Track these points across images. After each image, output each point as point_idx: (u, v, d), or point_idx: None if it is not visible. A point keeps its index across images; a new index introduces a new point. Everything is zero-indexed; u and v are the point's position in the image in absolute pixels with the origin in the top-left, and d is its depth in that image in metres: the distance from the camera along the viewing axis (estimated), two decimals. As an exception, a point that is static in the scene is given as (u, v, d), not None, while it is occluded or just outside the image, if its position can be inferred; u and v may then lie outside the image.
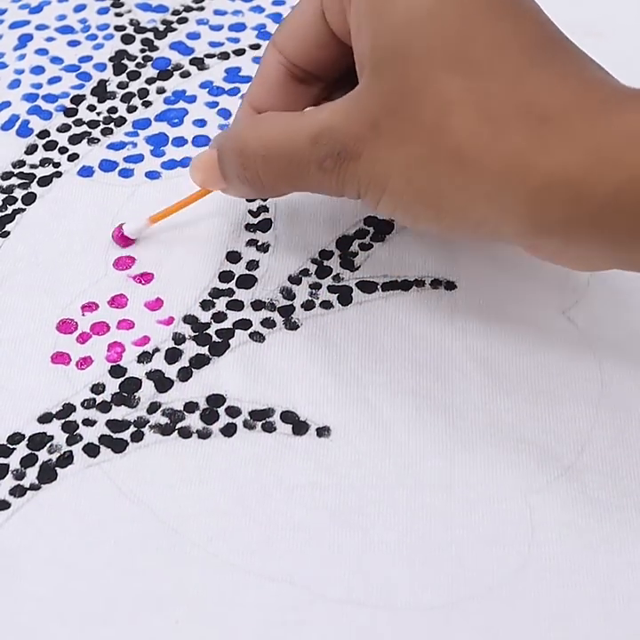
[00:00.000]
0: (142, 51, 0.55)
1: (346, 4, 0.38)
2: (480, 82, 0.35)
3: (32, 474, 0.39)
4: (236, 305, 0.44)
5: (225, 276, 0.45)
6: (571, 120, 0.34)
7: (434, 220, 0.37)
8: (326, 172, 0.38)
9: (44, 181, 0.49)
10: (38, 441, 0.40)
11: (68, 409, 0.41)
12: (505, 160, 0.34)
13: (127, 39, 0.55)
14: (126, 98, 0.52)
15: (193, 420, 0.41)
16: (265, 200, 0.47)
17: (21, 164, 0.49)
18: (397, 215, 0.38)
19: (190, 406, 0.41)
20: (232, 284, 0.45)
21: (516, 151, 0.34)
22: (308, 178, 0.39)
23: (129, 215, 0.47)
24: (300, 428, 0.41)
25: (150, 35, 0.56)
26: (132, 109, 0.52)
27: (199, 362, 0.42)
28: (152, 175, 0.49)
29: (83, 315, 0.44)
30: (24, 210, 0.47)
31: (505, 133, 0.34)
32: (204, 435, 0.40)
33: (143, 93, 0.53)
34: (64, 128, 0.51)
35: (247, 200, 0.47)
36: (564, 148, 0.34)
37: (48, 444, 0.40)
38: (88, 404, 0.41)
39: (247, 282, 0.45)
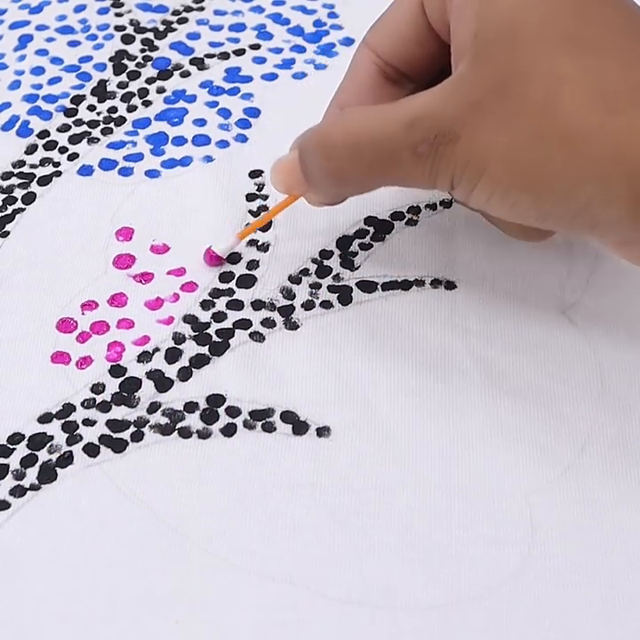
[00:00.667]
0: (142, 51, 0.55)
1: None
2: (595, 61, 0.34)
3: (32, 474, 0.39)
4: (236, 305, 0.44)
5: (225, 276, 0.45)
6: None
7: (532, 205, 0.36)
8: (420, 159, 0.36)
9: (44, 181, 0.49)
10: (38, 441, 0.40)
11: (68, 409, 0.41)
12: (618, 138, 0.33)
13: (127, 39, 0.55)
14: (126, 97, 0.52)
15: (193, 420, 0.41)
16: (265, 199, 0.47)
17: (21, 163, 0.49)
18: (493, 202, 0.36)
19: (190, 406, 0.41)
20: (232, 284, 0.45)
21: (631, 129, 0.33)
22: (399, 167, 0.37)
23: (129, 214, 0.47)
24: (300, 427, 0.41)
25: (150, 35, 0.56)
26: (131, 109, 0.52)
27: (199, 362, 0.42)
28: (152, 174, 0.49)
29: (82, 314, 0.44)
30: (24, 209, 0.47)
31: (619, 111, 0.33)
32: (204, 435, 0.40)
33: (143, 93, 0.53)
34: (64, 128, 0.51)
35: (247, 200, 0.47)
36: None
37: (48, 444, 0.40)
38: (88, 404, 0.41)
39: (247, 281, 0.45)
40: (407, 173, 0.37)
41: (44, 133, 0.51)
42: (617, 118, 0.34)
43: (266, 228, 0.46)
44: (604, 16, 0.35)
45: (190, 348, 0.43)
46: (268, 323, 0.43)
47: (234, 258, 0.45)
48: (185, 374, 0.42)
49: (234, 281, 0.45)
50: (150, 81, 0.53)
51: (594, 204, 0.35)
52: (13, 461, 0.40)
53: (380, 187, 0.40)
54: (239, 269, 0.45)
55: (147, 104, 0.52)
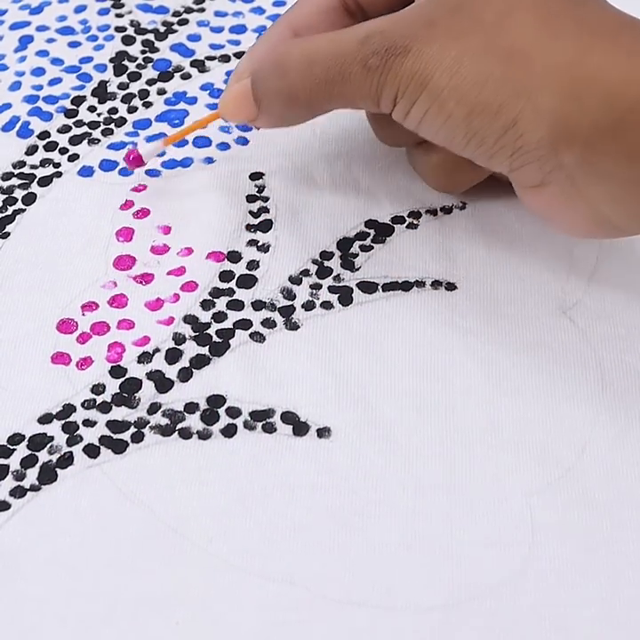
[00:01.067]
0: (143, 52, 0.55)
1: None
2: None
3: (32, 475, 0.39)
4: (237, 305, 0.44)
5: (225, 276, 0.45)
6: (620, 36, 0.37)
7: (464, 119, 0.38)
8: (370, 71, 0.39)
9: (45, 181, 0.49)
10: (38, 442, 0.40)
11: (69, 409, 0.41)
12: (552, 58, 0.37)
13: (128, 40, 0.55)
14: (127, 99, 0.52)
15: (193, 421, 0.41)
16: (266, 201, 0.47)
17: (22, 164, 0.49)
18: (427, 118, 0.39)
19: (191, 407, 0.41)
20: (232, 284, 0.45)
21: (565, 52, 0.37)
22: (348, 82, 0.39)
23: (129, 215, 0.47)
24: (300, 428, 0.41)
25: (151, 36, 0.56)
26: (132, 110, 0.52)
27: (199, 362, 0.42)
28: (152, 173, 0.49)
29: (83, 314, 0.44)
30: (24, 210, 0.48)
31: (558, 37, 0.37)
32: (204, 435, 0.40)
33: (144, 94, 0.53)
34: (64, 129, 0.51)
35: (248, 201, 0.47)
36: (607, 52, 0.37)
37: (48, 445, 0.40)
38: (88, 405, 0.41)
39: (247, 282, 0.45)
40: (355, 88, 0.40)
41: (44, 134, 0.51)
42: (556, 43, 0.37)
43: (266, 228, 0.46)
44: None
45: (190, 349, 0.43)
46: (268, 323, 0.43)
47: (234, 257, 0.46)
48: (185, 375, 0.42)
49: (234, 281, 0.45)
50: (151, 82, 0.53)
51: (521, 121, 0.37)
52: (13, 462, 0.40)
53: (327, 108, 0.42)
54: (239, 269, 0.45)
55: (147, 105, 0.52)
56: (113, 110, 0.52)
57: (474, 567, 0.37)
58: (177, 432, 0.40)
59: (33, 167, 0.49)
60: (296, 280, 0.45)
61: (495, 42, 0.38)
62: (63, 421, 0.41)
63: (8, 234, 0.47)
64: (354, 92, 0.40)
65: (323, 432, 0.41)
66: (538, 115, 0.37)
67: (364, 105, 0.41)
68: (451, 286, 0.45)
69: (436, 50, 0.38)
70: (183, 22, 0.56)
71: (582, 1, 0.39)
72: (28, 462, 0.40)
